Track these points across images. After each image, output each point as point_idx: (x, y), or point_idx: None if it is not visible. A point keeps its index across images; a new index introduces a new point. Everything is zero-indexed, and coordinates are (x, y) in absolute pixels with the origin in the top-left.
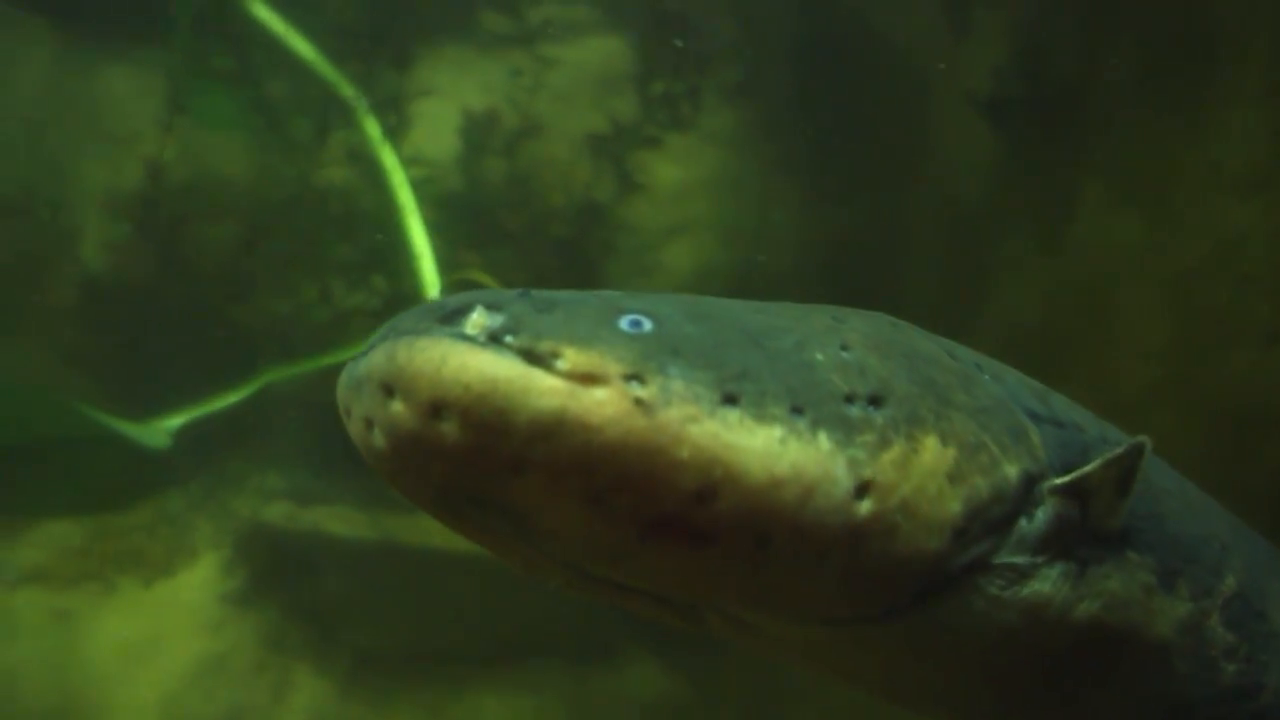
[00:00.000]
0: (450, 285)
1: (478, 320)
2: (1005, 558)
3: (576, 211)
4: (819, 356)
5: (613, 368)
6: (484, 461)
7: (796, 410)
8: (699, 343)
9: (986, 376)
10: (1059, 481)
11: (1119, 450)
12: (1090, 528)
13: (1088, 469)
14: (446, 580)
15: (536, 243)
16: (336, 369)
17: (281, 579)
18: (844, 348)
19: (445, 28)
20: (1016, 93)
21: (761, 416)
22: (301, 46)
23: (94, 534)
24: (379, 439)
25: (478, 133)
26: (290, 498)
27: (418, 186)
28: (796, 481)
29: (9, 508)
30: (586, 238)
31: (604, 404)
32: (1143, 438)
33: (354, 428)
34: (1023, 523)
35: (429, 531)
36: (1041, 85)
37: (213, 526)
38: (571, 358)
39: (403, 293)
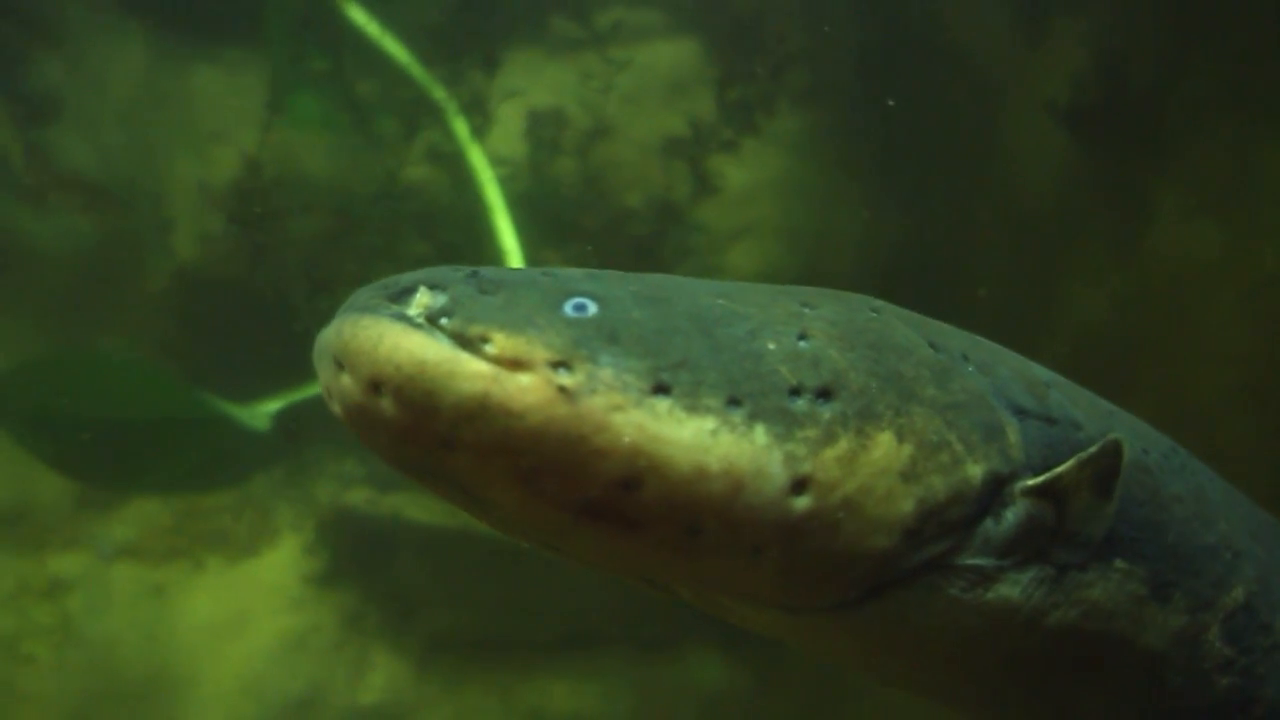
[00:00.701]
0: None
1: (421, 300)
2: (968, 559)
3: (651, 212)
4: (771, 346)
5: (540, 354)
6: (418, 437)
7: (734, 402)
8: (641, 329)
9: (971, 368)
10: (1030, 483)
11: (1092, 449)
12: (1069, 532)
13: (1059, 469)
14: (519, 568)
15: (612, 242)
16: None
17: (361, 562)
18: (803, 337)
19: (516, 31)
20: (1094, 99)
21: (694, 407)
22: (395, 49)
23: (182, 514)
24: (336, 406)
25: (550, 133)
26: (370, 484)
27: (485, 188)
28: (725, 475)
29: (110, 480)
30: (661, 238)
31: (527, 390)
32: (1115, 435)
33: (322, 394)
34: (988, 524)
35: None
36: (1120, 92)
37: (294, 510)
38: (500, 343)
39: None
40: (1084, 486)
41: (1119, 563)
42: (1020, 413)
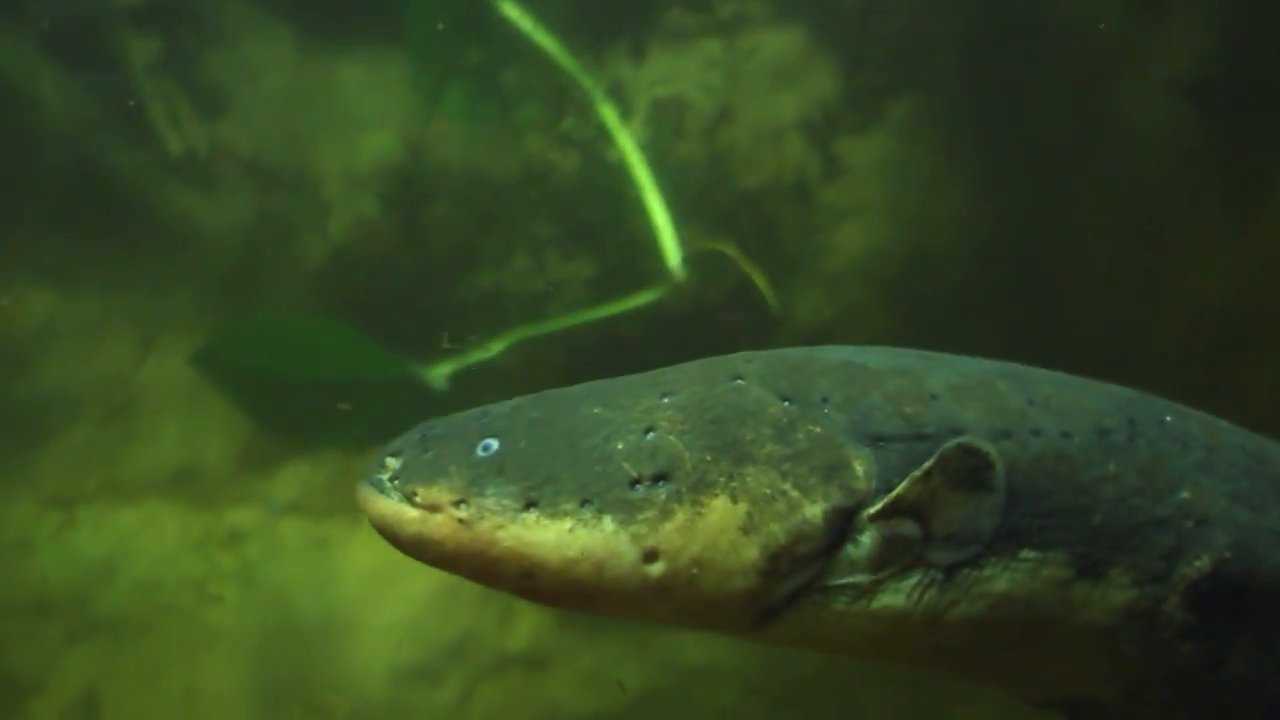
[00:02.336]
0: (690, 257)
1: (389, 465)
2: (839, 580)
3: (775, 194)
4: (620, 446)
5: (445, 497)
6: (409, 554)
7: (586, 501)
8: (523, 457)
9: (827, 409)
10: (873, 509)
11: (927, 464)
12: (947, 535)
13: (897, 490)
14: None
15: (737, 223)
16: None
17: None
18: (649, 430)
19: (637, 19)
20: (1216, 75)
21: (555, 513)
22: (544, 40)
23: (335, 475)
24: None
25: (674, 119)
26: None
27: (635, 169)
28: (587, 559)
29: (306, 434)
30: (784, 219)
31: (441, 525)
32: (950, 444)
33: None
34: (849, 549)
35: None
36: (1243, 69)
37: None
38: (422, 494)
39: (623, 265)
40: (941, 494)
41: (1026, 552)
42: (879, 440)
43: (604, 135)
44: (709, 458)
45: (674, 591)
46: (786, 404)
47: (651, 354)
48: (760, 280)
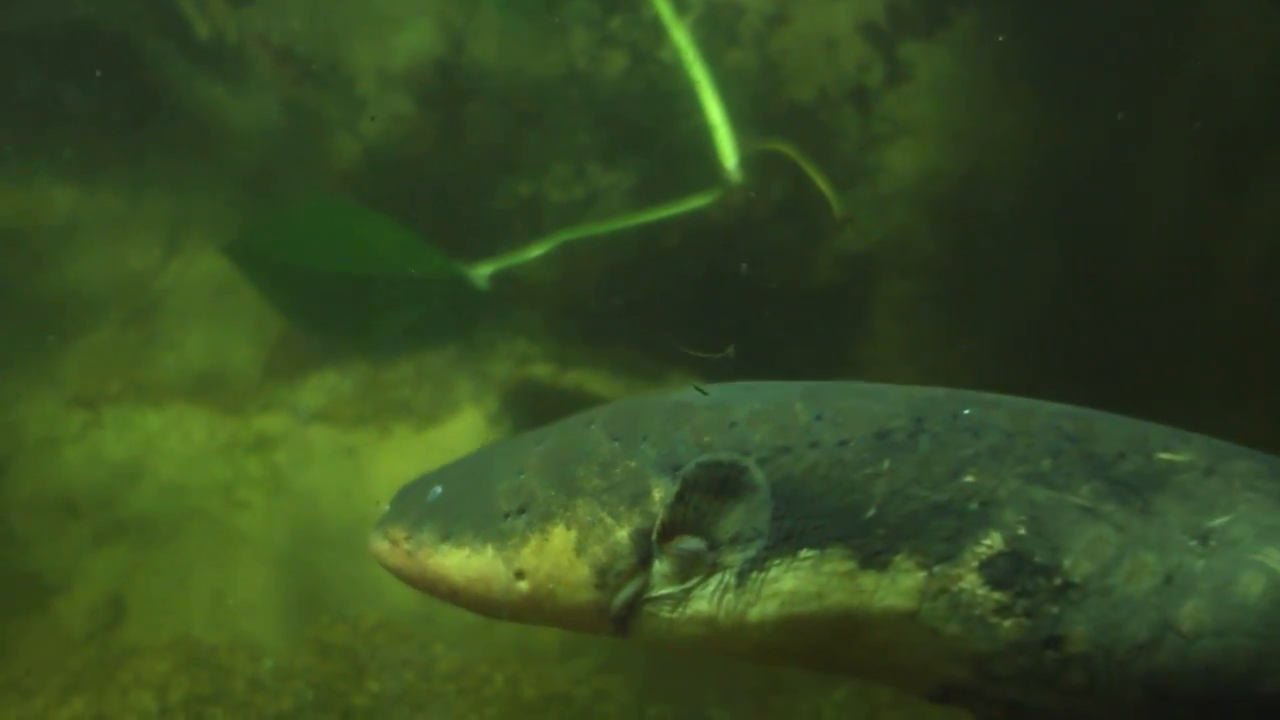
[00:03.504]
0: (748, 159)
1: (382, 511)
2: (660, 591)
3: (828, 104)
4: (501, 487)
5: (400, 534)
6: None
7: (477, 534)
8: (449, 501)
9: (644, 445)
10: (654, 531)
11: (676, 489)
12: (731, 539)
13: (661, 517)
14: None
15: (793, 131)
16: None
17: None
18: (520, 472)
19: None
20: None
21: (459, 544)
22: None
23: (363, 385)
24: None
25: (729, 22)
26: (548, 360)
27: (689, 67)
28: (479, 579)
29: (343, 333)
30: (837, 130)
31: (398, 555)
32: (690, 465)
33: None
34: (658, 564)
35: None
36: None
37: (472, 384)
38: (390, 533)
39: (667, 174)
40: (706, 506)
41: (805, 551)
42: (676, 469)
43: (654, 35)
44: (553, 493)
45: (542, 603)
46: (615, 444)
47: (691, 267)
48: (823, 184)
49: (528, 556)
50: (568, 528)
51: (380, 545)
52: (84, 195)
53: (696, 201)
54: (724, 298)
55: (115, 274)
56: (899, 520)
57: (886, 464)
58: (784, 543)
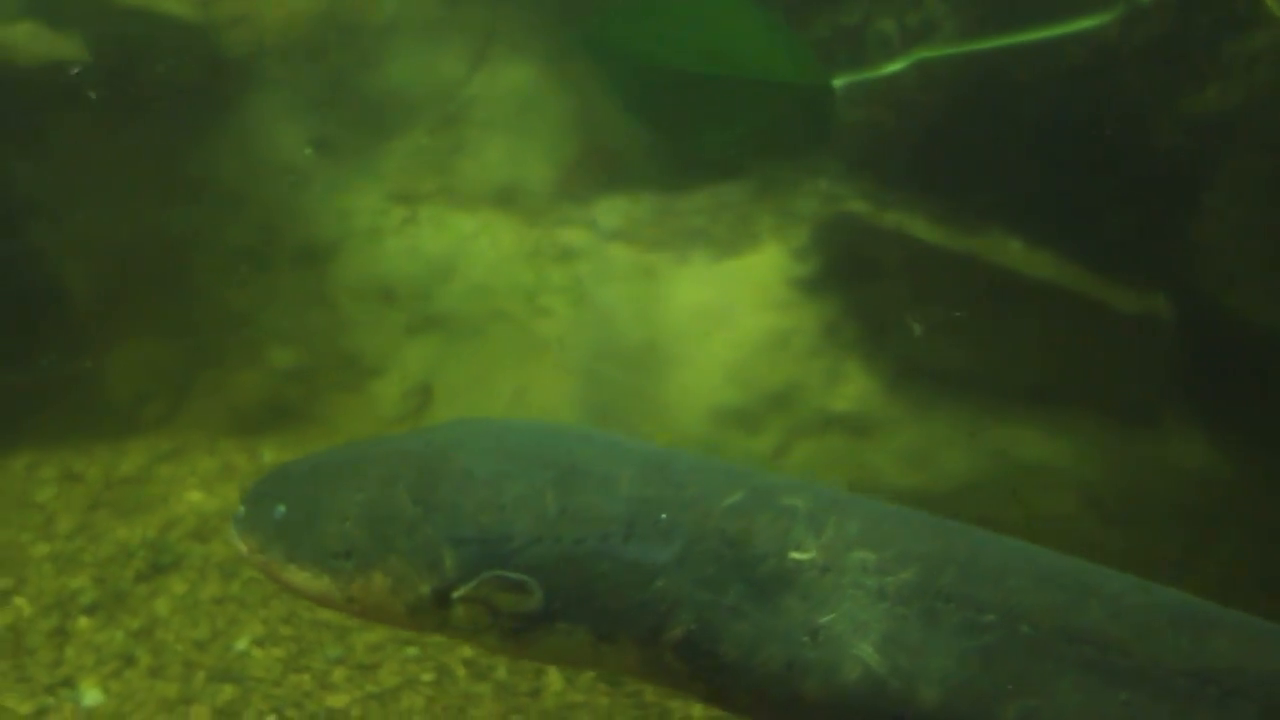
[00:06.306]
0: None
1: (239, 516)
2: (456, 625)
3: None
4: (331, 529)
5: (253, 545)
6: None
7: (316, 563)
8: (294, 526)
9: (437, 515)
10: (457, 595)
11: (474, 584)
12: (509, 613)
13: (462, 593)
14: (1013, 307)
15: None
16: None
17: (850, 273)
18: (345, 519)
19: None
20: None
21: (302, 566)
22: None
23: (657, 211)
24: None
25: None
26: (865, 199)
27: None
28: (323, 596)
29: (685, 132)
30: None
31: (256, 560)
32: (488, 575)
33: None
34: (454, 611)
35: (1014, 254)
36: None
37: (774, 219)
38: (246, 542)
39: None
40: (495, 596)
41: (560, 624)
42: (460, 541)
43: None
44: (374, 545)
45: (373, 618)
46: (417, 508)
47: (1030, 111)
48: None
49: (356, 590)
50: (385, 575)
51: (241, 546)
52: None
53: (1093, 20)
54: (1056, 152)
55: (428, 79)
56: (618, 612)
57: (604, 565)
58: (546, 617)
